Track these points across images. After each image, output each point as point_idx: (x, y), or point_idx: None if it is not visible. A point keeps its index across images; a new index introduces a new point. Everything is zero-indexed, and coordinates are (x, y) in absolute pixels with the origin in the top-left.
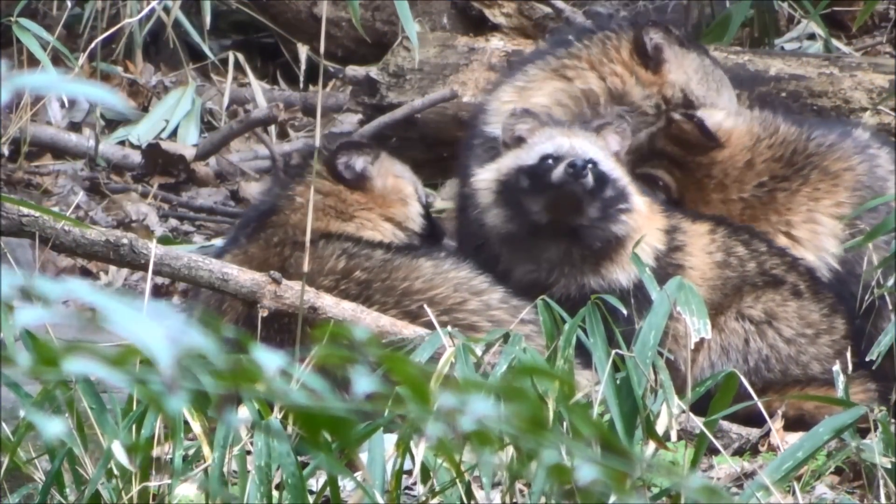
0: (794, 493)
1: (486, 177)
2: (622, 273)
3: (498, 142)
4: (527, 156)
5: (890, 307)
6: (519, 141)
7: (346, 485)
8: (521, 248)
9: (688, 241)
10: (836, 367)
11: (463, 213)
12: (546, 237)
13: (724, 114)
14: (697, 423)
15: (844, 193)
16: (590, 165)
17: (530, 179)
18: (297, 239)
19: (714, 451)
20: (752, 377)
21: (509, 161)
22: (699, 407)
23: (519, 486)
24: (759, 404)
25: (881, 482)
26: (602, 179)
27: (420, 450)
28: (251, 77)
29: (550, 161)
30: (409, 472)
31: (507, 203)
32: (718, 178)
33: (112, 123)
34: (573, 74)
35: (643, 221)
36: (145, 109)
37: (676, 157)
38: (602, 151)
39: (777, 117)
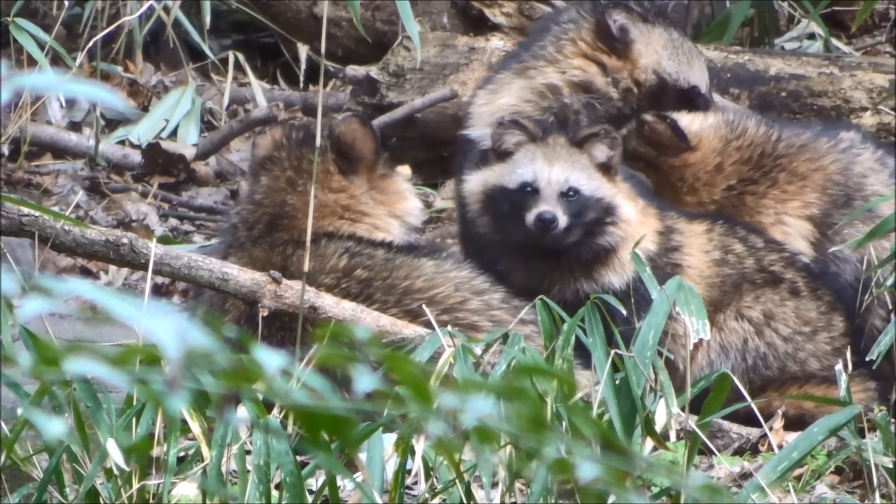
0: (790, 492)
1: (473, 186)
2: (615, 276)
3: (478, 145)
4: (509, 177)
5: (889, 306)
6: (505, 154)
7: (345, 485)
8: (512, 256)
9: (685, 242)
10: (839, 367)
11: (463, 214)
12: (532, 252)
13: (691, 117)
14: (690, 423)
15: (813, 194)
16: (570, 195)
17: (510, 204)
18: (301, 238)
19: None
20: (751, 374)
21: (494, 176)
22: (699, 406)
23: (518, 485)
24: (753, 406)
25: (881, 482)
26: (583, 205)
27: (420, 448)
28: (251, 77)
29: (529, 189)
30: (409, 472)
31: (492, 216)
32: (690, 181)
33: (112, 123)
34: (534, 73)
35: (634, 228)
36: (145, 109)
37: (650, 159)
38: (585, 171)
39: (746, 118)
